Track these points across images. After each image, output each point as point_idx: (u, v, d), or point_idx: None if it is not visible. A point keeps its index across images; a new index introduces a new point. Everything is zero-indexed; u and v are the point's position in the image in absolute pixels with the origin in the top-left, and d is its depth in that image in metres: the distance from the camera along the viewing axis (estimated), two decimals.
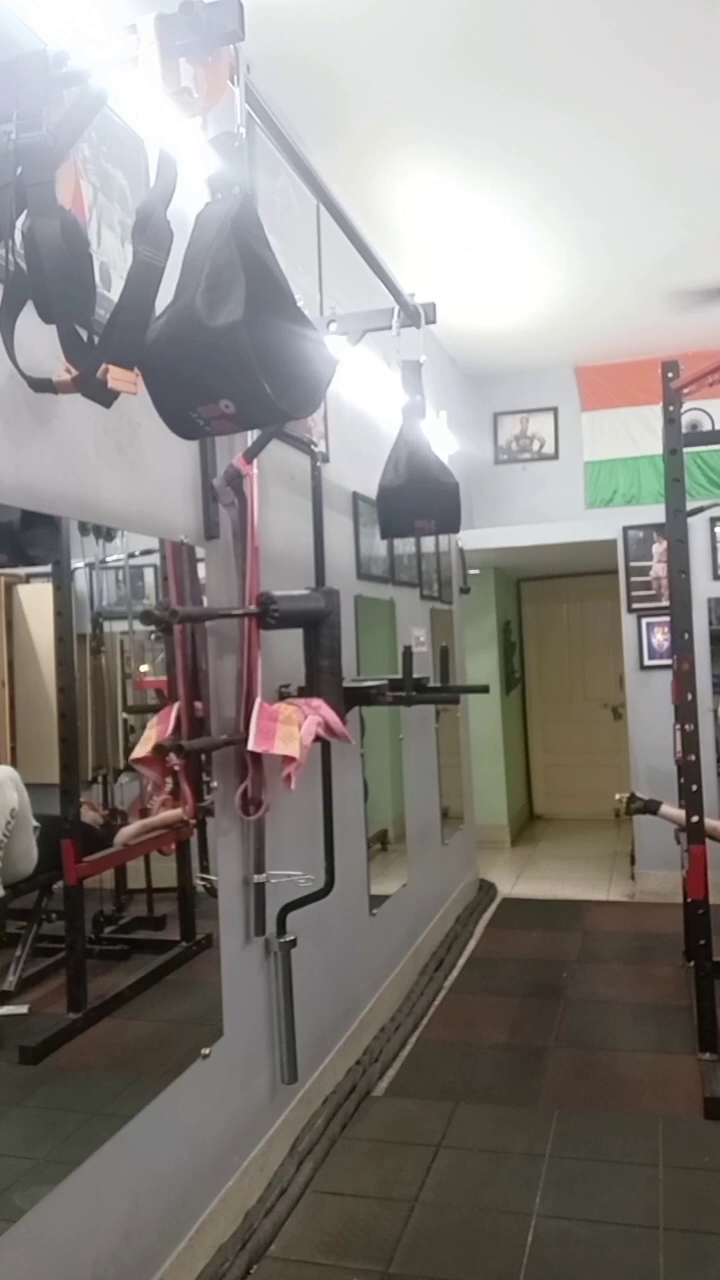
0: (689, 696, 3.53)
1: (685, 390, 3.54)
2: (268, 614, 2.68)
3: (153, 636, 2.52)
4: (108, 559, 2.28)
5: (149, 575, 2.48)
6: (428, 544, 5.22)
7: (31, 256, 1.45)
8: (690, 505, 3.62)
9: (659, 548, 5.83)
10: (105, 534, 2.21)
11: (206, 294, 1.46)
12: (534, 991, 4.37)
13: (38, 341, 1.61)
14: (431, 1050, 3.79)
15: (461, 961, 4.83)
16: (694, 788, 3.47)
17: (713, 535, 5.81)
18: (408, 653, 3.19)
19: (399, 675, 3.19)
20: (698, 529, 5.31)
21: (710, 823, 3.54)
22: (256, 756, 2.61)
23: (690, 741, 3.51)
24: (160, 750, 2.35)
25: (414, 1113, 3.29)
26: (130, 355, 1.47)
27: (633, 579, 5.98)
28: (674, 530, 3.51)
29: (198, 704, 2.50)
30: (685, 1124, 3.11)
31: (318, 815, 3.20)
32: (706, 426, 6.21)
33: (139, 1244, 2.17)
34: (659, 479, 5.69)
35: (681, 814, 3.59)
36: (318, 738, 2.71)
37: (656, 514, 5.11)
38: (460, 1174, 2.89)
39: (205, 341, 1.45)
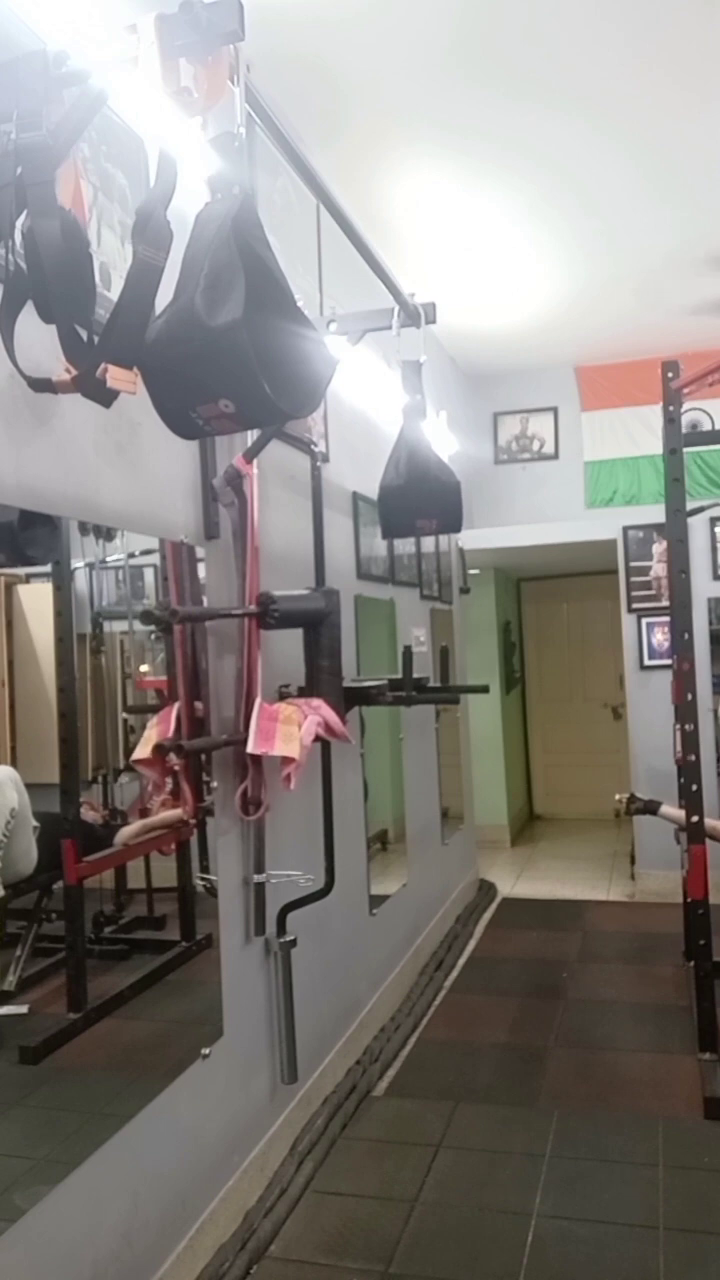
0: (689, 696, 3.53)
1: (685, 390, 3.54)
2: (268, 614, 2.68)
3: (153, 636, 2.52)
4: (108, 559, 2.28)
5: (149, 575, 2.48)
6: (428, 544, 5.22)
7: (31, 256, 1.45)
8: (690, 505, 3.62)
9: (659, 548, 5.83)
10: (105, 534, 2.21)
11: (206, 293, 1.46)
12: (534, 991, 4.37)
13: (38, 341, 1.61)
14: (431, 1050, 3.79)
15: (461, 961, 4.82)
16: (694, 788, 3.47)
17: (713, 535, 5.81)
18: (408, 653, 3.19)
19: (399, 675, 3.19)
20: (698, 529, 5.30)
21: (710, 823, 3.54)
22: (256, 757, 2.61)
23: (690, 741, 3.51)
24: (160, 750, 2.35)
25: (414, 1113, 3.28)
26: (130, 355, 1.47)
27: (633, 579, 5.98)
28: (674, 530, 3.51)
29: (198, 704, 2.50)
30: (685, 1124, 3.11)
31: (318, 815, 3.20)
32: (706, 426, 6.21)
33: (139, 1244, 2.17)
34: (659, 479, 5.69)
35: (681, 814, 3.59)
36: (318, 738, 2.71)
37: (656, 514, 5.10)
38: (460, 1174, 2.89)
39: (205, 341, 1.45)
